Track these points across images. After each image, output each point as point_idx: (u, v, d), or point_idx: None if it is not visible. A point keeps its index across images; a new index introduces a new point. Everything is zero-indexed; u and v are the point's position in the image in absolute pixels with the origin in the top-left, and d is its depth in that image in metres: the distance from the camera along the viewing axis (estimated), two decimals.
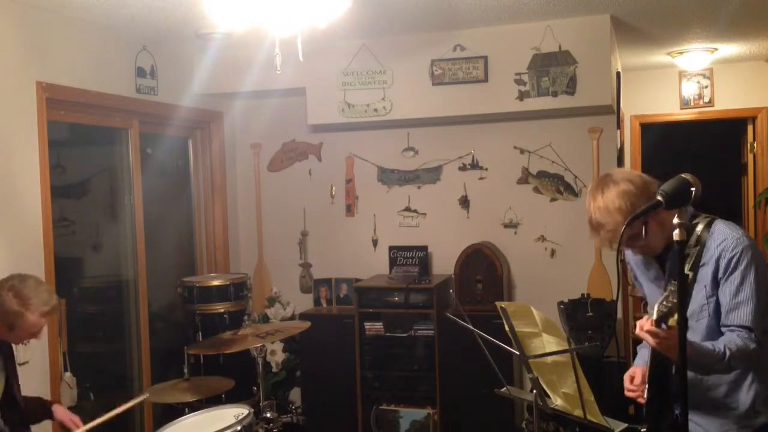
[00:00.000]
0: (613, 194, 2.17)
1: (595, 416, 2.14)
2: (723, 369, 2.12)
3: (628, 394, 2.28)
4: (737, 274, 2.13)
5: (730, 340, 2.11)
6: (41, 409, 2.97)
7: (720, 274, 2.16)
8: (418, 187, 5.23)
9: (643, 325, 2.01)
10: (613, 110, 4.70)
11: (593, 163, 4.83)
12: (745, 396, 2.21)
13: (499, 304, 2.21)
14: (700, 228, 2.21)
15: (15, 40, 3.59)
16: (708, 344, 2.11)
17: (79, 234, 4.60)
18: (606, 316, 4.35)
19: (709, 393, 2.23)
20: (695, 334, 2.20)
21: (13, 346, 2.95)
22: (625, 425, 2.20)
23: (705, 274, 2.18)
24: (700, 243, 2.19)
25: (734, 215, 7.21)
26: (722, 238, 2.17)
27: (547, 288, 4.78)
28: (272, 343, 4.57)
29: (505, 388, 2.44)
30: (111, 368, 4.73)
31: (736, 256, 2.14)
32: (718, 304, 2.18)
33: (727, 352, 2.08)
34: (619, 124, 4.97)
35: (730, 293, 2.14)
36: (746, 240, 2.16)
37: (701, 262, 2.18)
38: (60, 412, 2.96)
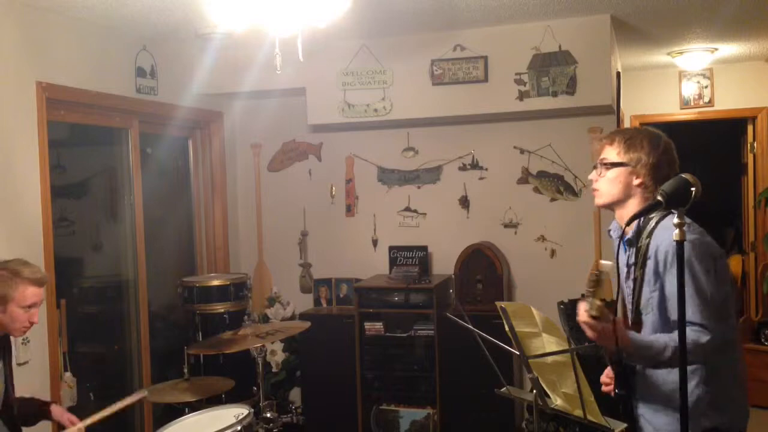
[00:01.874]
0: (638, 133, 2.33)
1: (595, 416, 2.14)
2: (667, 362, 2.12)
3: (604, 389, 2.38)
4: (676, 270, 2.05)
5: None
6: (38, 410, 2.96)
7: (660, 268, 2.15)
8: (418, 187, 5.23)
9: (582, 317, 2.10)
10: (613, 110, 4.70)
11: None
12: (690, 396, 2.15)
13: (499, 304, 2.21)
14: (653, 221, 2.21)
15: (15, 40, 3.59)
16: (651, 337, 2.14)
17: (79, 234, 4.61)
18: None
19: (658, 389, 2.23)
20: (645, 328, 2.21)
21: (12, 347, 2.94)
22: (625, 425, 2.20)
23: (649, 268, 2.18)
24: (651, 236, 2.20)
25: (734, 215, 7.21)
26: (664, 232, 2.14)
27: (547, 288, 4.78)
28: (272, 343, 4.56)
29: (505, 388, 2.44)
30: (111, 368, 4.73)
31: (672, 252, 2.10)
32: (661, 299, 2.17)
33: (670, 345, 2.07)
34: (619, 124, 4.97)
35: (673, 288, 2.09)
36: (688, 234, 2.07)
37: (648, 255, 2.19)
38: (57, 411, 2.95)
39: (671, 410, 2.20)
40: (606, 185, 2.33)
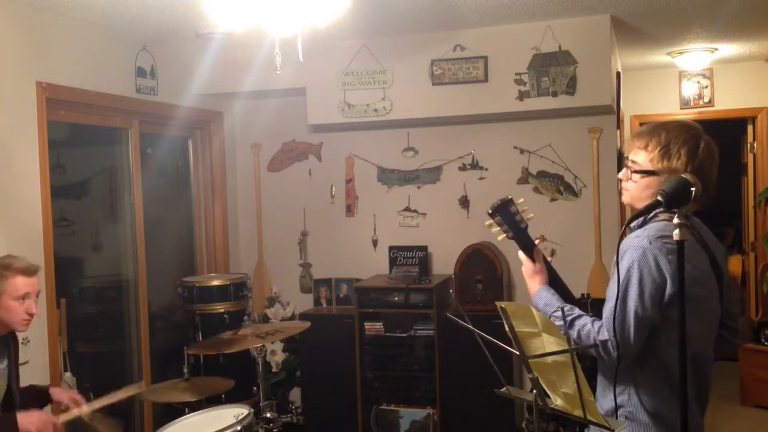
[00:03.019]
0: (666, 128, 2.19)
1: (595, 416, 2.14)
2: (560, 328, 2.10)
3: None
4: (619, 268, 2.11)
5: (586, 321, 2.12)
6: (37, 396, 2.94)
7: (617, 259, 2.14)
8: (418, 187, 5.23)
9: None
10: (613, 110, 4.70)
11: (593, 163, 4.83)
12: (611, 400, 2.19)
13: (499, 304, 2.20)
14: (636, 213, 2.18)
15: (15, 40, 3.59)
16: (561, 303, 2.22)
17: (79, 234, 4.60)
18: None
19: (604, 374, 2.27)
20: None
21: (19, 343, 2.94)
22: (625, 425, 2.19)
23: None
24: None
25: (734, 215, 7.22)
26: (633, 233, 2.13)
27: None
28: (272, 343, 4.56)
29: (505, 388, 2.44)
30: (111, 368, 4.73)
31: (623, 250, 2.10)
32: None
33: (565, 316, 2.12)
34: (619, 124, 4.97)
35: (610, 284, 2.15)
36: (646, 243, 2.06)
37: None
38: (58, 393, 2.93)
39: (600, 406, 2.22)
40: (635, 189, 2.22)
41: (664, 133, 2.16)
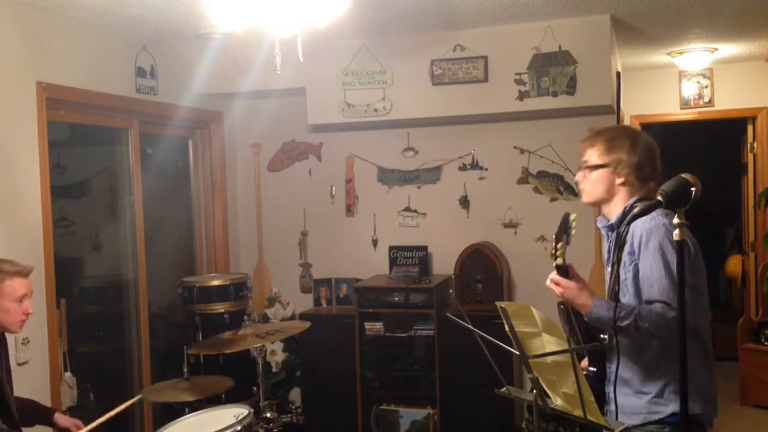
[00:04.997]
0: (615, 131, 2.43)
1: (595, 416, 2.14)
2: (626, 329, 2.19)
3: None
4: (649, 251, 2.21)
5: (649, 308, 2.19)
6: (36, 414, 2.94)
7: (635, 249, 2.25)
8: (418, 187, 5.23)
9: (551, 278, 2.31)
10: (613, 110, 4.70)
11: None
12: (657, 382, 2.28)
13: (499, 304, 2.21)
14: (636, 210, 2.23)
15: (15, 40, 3.59)
16: (615, 303, 2.23)
17: (79, 234, 4.60)
18: None
19: (632, 372, 2.34)
20: None
21: (11, 346, 2.94)
22: (625, 425, 2.20)
23: (626, 251, 2.29)
24: (630, 223, 2.25)
25: (734, 215, 7.21)
26: (643, 218, 2.20)
27: (547, 288, 4.76)
28: (272, 343, 4.57)
29: (505, 388, 2.44)
30: (111, 368, 4.73)
31: (645, 234, 2.22)
32: (635, 277, 2.27)
33: (633, 311, 2.17)
34: (618, 124, 4.97)
35: (645, 269, 2.23)
36: (662, 219, 2.22)
37: (625, 239, 2.28)
38: (62, 419, 2.94)
39: (642, 394, 2.30)
40: (590, 186, 2.44)
41: (608, 132, 2.43)
